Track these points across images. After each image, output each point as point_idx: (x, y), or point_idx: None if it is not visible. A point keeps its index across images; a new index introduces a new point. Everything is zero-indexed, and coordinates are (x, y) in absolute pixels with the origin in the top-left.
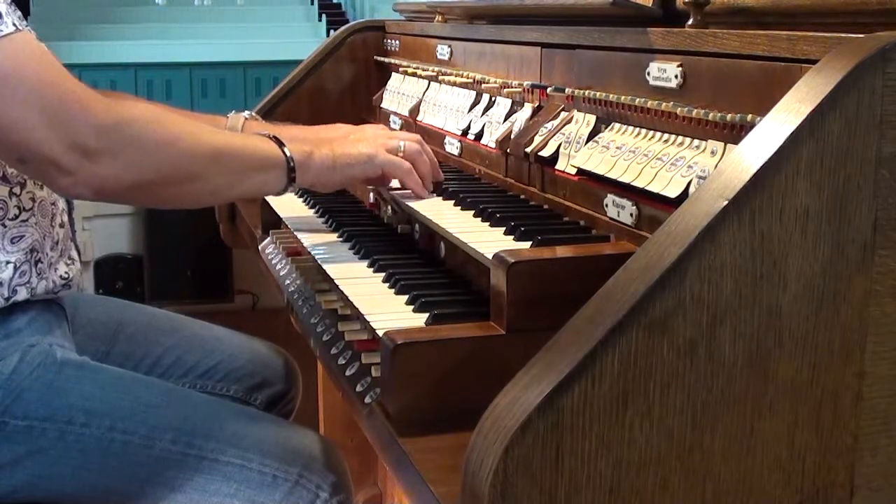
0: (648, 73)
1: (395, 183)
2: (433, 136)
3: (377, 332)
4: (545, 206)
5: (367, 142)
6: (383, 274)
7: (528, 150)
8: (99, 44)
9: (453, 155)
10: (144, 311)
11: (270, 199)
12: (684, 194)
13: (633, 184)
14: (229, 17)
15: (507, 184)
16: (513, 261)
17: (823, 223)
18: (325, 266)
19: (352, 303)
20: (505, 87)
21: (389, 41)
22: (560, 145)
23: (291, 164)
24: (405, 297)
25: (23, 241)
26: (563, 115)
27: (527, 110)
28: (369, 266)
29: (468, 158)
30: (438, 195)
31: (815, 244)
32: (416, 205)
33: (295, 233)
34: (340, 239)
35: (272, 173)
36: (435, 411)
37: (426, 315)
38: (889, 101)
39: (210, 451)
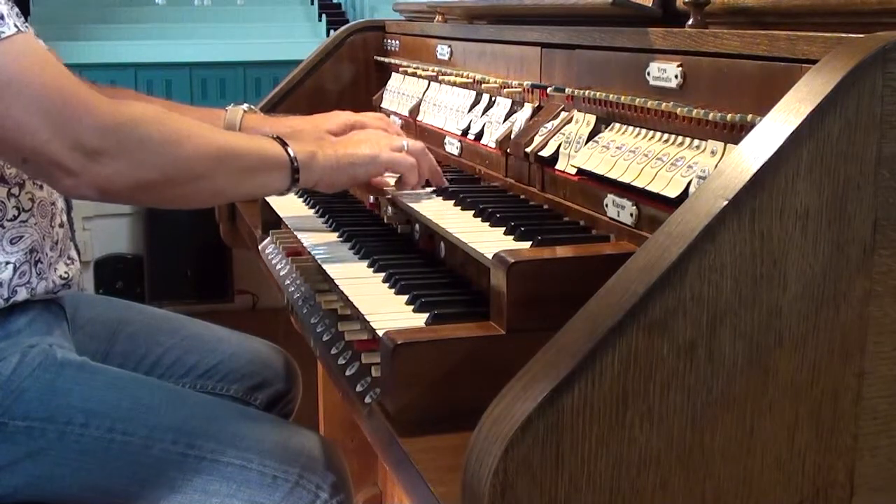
0: (648, 73)
1: (390, 180)
2: (433, 136)
3: (377, 332)
4: (545, 206)
5: (370, 142)
6: (383, 274)
7: (528, 150)
8: (99, 44)
9: (453, 155)
10: (144, 310)
11: (270, 199)
12: (684, 194)
13: (633, 184)
14: (229, 17)
15: (507, 184)
16: (513, 261)
17: (823, 223)
18: (325, 266)
19: (352, 303)
20: (505, 87)
21: (389, 41)
22: (560, 145)
23: (295, 164)
24: (405, 297)
25: (22, 241)
26: (563, 115)
27: (527, 110)
28: (369, 266)
29: (468, 158)
30: (438, 195)
31: (815, 244)
32: (415, 205)
33: (295, 233)
34: (340, 239)
35: (276, 174)
36: (435, 411)
37: (426, 315)
38: (889, 101)
39: (210, 452)
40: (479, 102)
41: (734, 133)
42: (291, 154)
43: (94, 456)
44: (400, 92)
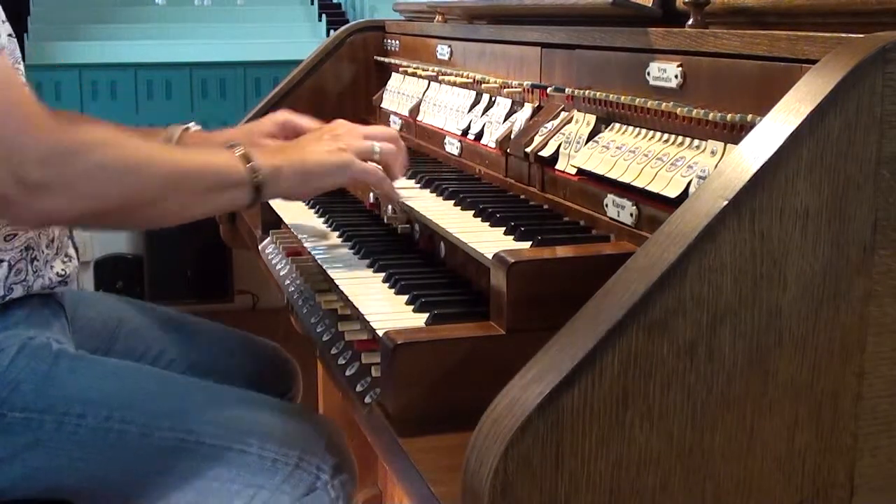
0: (648, 73)
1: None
2: (433, 136)
3: (377, 332)
4: (545, 206)
5: (337, 150)
6: (383, 274)
7: (528, 150)
8: (99, 44)
9: (453, 155)
10: (144, 308)
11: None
12: (684, 194)
13: (633, 184)
14: (229, 17)
15: (507, 184)
16: (513, 261)
17: (823, 223)
18: (325, 266)
19: (352, 303)
20: (505, 87)
21: (389, 41)
22: (560, 145)
23: (257, 179)
24: (405, 297)
25: (16, 239)
26: (563, 115)
27: (527, 110)
28: (369, 266)
29: (468, 158)
30: (439, 195)
31: (815, 244)
32: (415, 205)
33: (295, 233)
34: (340, 239)
35: (237, 190)
36: (435, 411)
37: (426, 315)
38: (889, 101)
39: (208, 437)
40: (479, 102)
41: (734, 133)
42: (254, 169)
43: (93, 445)
44: (400, 92)
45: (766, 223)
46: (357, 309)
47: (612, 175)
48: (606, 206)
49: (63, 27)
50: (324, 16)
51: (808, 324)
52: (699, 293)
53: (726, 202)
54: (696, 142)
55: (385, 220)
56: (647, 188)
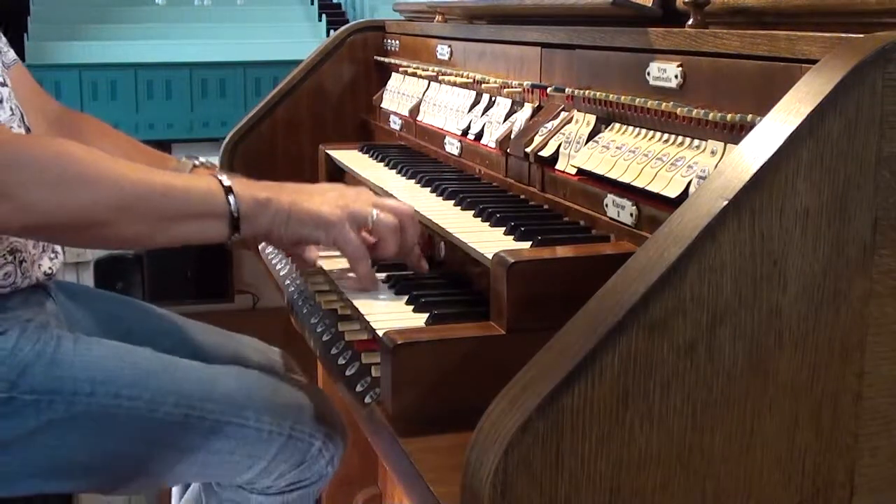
0: (648, 73)
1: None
2: (433, 136)
3: (377, 332)
4: (545, 206)
5: (333, 206)
6: (383, 274)
7: (528, 150)
8: (99, 44)
9: (453, 155)
10: (141, 307)
11: None
12: (684, 194)
13: (633, 184)
14: (229, 17)
15: (507, 184)
16: (513, 261)
17: (823, 223)
18: (325, 266)
19: (352, 303)
20: (505, 87)
21: (389, 41)
22: (560, 145)
23: (235, 213)
24: (405, 297)
25: (2, 242)
26: (563, 115)
27: (527, 110)
28: None
29: (468, 158)
30: (439, 195)
31: (815, 244)
32: (416, 205)
33: None
34: None
35: (209, 222)
36: (435, 411)
37: (426, 315)
38: (889, 101)
39: (209, 413)
40: (479, 102)
41: (734, 133)
42: (232, 202)
43: (103, 422)
44: (400, 92)
45: (766, 223)
46: (357, 309)
47: (612, 175)
48: (606, 206)
49: (63, 27)
50: (324, 16)
51: (808, 324)
52: (699, 293)
53: (726, 202)
54: (696, 142)
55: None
56: (647, 188)
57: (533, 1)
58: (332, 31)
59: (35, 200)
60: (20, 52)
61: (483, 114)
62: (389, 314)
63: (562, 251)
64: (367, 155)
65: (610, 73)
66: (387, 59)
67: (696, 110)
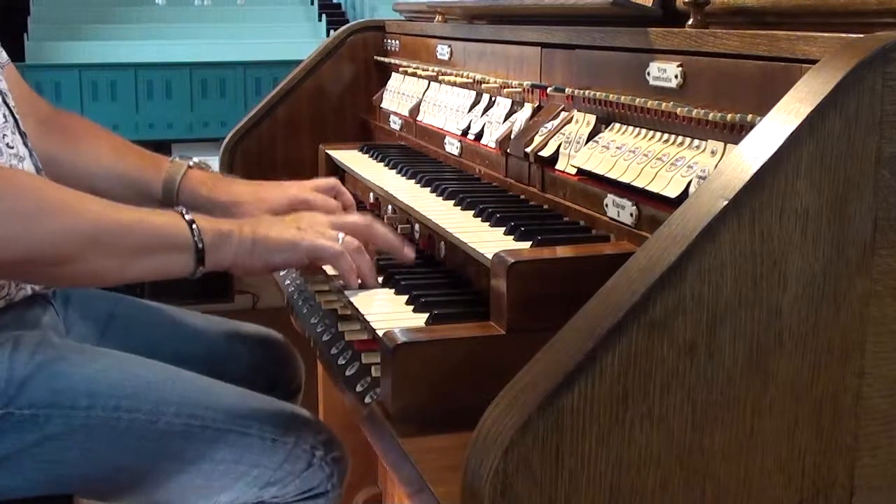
0: (648, 73)
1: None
2: (433, 136)
3: (377, 332)
4: (545, 206)
5: (299, 228)
6: (383, 274)
7: (528, 150)
8: (99, 44)
9: (453, 155)
10: (136, 303)
11: None
12: (684, 194)
13: (633, 184)
14: (229, 17)
15: (507, 184)
16: (513, 261)
17: (823, 223)
18: (325, 266)
19: (352, 303)
20: (505, 87)
21: (389, 41)
22: (560, 145)
23: (199, 245)
24: (405, 297)
25: None
26: (563, 115)
27: (527, 110)
28: None
29: (468, 158)
30: (439, 195)
31: (815, 244)
32: (415, 205)
33: None
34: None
35: (175, 255)
36: (435, 411)
37: (426, 315)
38: (889, 101)
39: (212, 422)
40: (479, 102)
41: (734, 133)
42: (196, 234)
43: (103, 435)
44: (400, 92)
45: (766, 223)
46: (357, 309)
47: (612, 175)
48: (606, 206)
49: (63, 27)
50: (324, 16)
51: (808, 324)
52: (699, 293)
53: (726, 202)
54: (696, 142)
55: (385, 220)
56: (647, 188)
57: (533, 1)
58: (332, 31)
59: (18, 231)
60: (20, 52)
61: (483, 114)
62: (389, 314)
63: (562, 251)
64: (367, 155)
65: (610, 73)
66: (387, 59)
67: (696, 110)
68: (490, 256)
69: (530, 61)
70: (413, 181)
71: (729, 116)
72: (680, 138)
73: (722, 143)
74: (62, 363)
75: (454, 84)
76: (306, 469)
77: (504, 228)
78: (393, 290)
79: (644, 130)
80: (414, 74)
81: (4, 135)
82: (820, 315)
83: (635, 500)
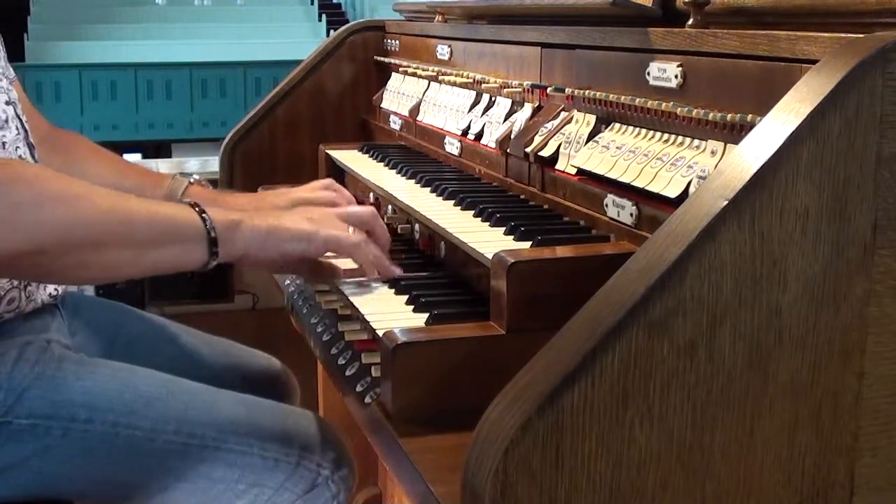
0: (648, 73)
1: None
2: (433, 136)
3: (377, 332)
4: (545, 206)
5: (312, 219)
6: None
7: (528, 150)
8: (99, 44)
9: (453, 155)
10: (143, 317)
11: None
12: (684, 194)
13: (633, 184)
14: (229, 17)
15: (507, 184)
16: (513, 261)
17: (823, 223)
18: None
19: (352, 303)
20: (505, 87)
21: (389, 41)
22: (560, 145)
23: (212, 234)
24: (405, 297)
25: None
26: (563, 115)
27: (527, 110)
28: None
29: (468, 158)
30: (439, 195)
31: (815, 244)
32: (415, 205)
33: None
34: None
35: (188, 245)
36: (435, 411)
37: (426, 315)
38: (889, 101)
39: (212, 440)
40: (479, 102)
41: (734, 133)
42: (208, 223)
43: (100, 450)
44: (400, 92)
45: (766, 223)
46: (357, 309)
47: (612, 175)
48: (606, 206)
49: (63, 27)
50: (324, 16)
51: (808, 324)
52: (699, 293)
53: (726, 202)
54: (696, 142)
55: (385, 220)
56: (647, 188)
57: (533, 1)
58: (332, 31)
59: (25, 221)
60: (20, 52)
61: (483, 114)
62: (389, 314)
63: (562, 251)
64: (367, 155)
65: (610, 73)
66: (387, 59)
67: (696, 110)
68: (490, 256)
69: (530, 61)
70: (413, 181)
71: (729, 116)
72: (680, 138)
73: (722, 143)
74: (63, 374)
75: (454, 84)
76: (310, 490)
77: (504, 228)
78: (393, 291)
79: (644, 130)
80: (414, 74)
81: (18, 146)
82: (820, 315)
83: (635, 500)
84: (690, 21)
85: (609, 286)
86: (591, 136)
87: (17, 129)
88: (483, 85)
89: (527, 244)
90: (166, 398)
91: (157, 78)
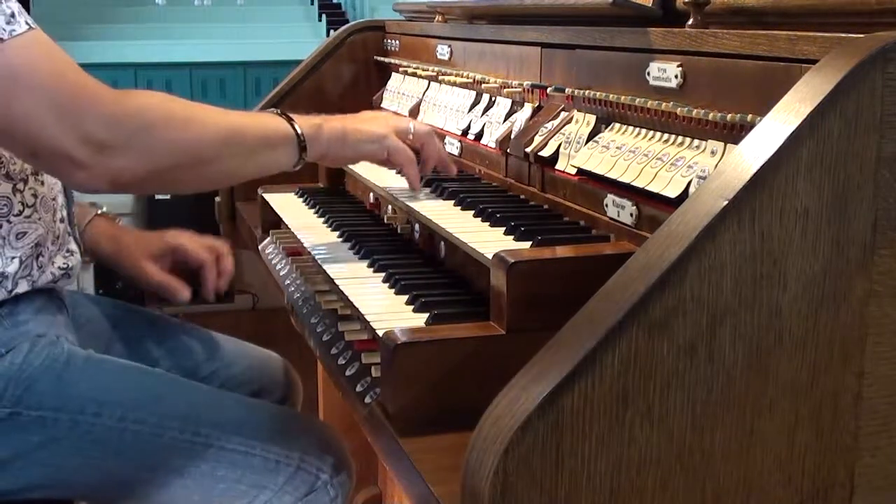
0: (648, 73)
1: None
2: None
3: (377, 332)
4: (545, 206)
5: (378, 121)
6: (383, 274)
7: (528, 150)
8: (99, 44)
9: (453, 155)
10: (142, 314)
11: (270, 199)
12: (684, 194)
13: (633, 184)
14: (229, 17)
15: (507, 184)
16: (513, 261)
17: (823, 223)
18: (325, 266)
19: (352, 303)
20: (505, 87)
21: (389, 41)
22: (560, 145)
23: (302, 137)
24: (405, 297)
25: (27, 236)
26: (563, 115)
27: (527, 110)
28: (369, 266)
29: (468, 158)
30: (439, 196)
31: (815, 244)
32: (415, 204)
33: (295, 233)
34: (340, 239)
35: (283, 149)
36: (435, 411)
37: (426, 315)
38: (889, 101)
39: (216, 439)
40: (479, 102)
41: (734, 133)
42: (297, 128)
43: (107, 444)
44: (400, 92)
45: (766, 223)
46: (357, 309)
47: (612, 175)
48: (606, 206)
49: (63, 27)
50: (324, 16)
51: (808, 324)
52: (699, 293)
53: (726, 202)
54: (696, 142)
55: (385, 220)
56: (647, 188)
57: (533, 1)
58: (332, 31)
59: (153, 146)
60: None
61: (483, 114)
62: (389, 314)
63: (562, 251)
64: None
65: (610, 73)
66: (387, 59)
67: (696, 110)
68: (490, 256)
69: (530, 61)
70: None
71: (729, 116)
72: (680, 138)
73: (722, 143)
74: (73, 368)
75: (454, 84)
76: (309, 492)
77: (504, 228)
78: (393, 291)
79: (644, 130)
80: (414, 74)
81: None
82: (820, 315)
83: (635, 500)
84: (690, 21)
85: (609, 286)
86: (591, 136)
87: None
88: (483, 85)
89: (527, 244)
90: (172, 395)
91: (157, 78)
